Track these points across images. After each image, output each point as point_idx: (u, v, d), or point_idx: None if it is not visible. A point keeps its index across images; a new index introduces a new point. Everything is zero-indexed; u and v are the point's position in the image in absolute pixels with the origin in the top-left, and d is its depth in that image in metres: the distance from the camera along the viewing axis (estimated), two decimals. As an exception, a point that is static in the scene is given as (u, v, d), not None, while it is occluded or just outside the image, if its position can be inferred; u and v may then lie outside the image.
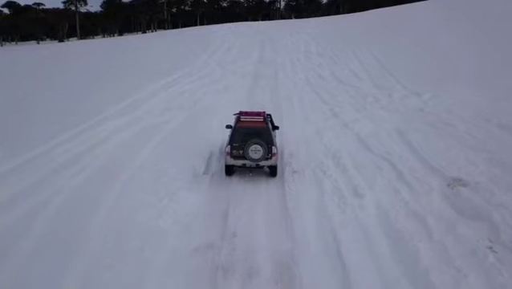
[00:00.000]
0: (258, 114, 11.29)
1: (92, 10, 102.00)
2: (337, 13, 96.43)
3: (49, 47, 60.10)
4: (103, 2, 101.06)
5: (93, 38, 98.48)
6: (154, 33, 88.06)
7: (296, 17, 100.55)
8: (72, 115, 15.56)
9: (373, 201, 9.16)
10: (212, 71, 26.70)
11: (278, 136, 12.28)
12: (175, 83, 21.99)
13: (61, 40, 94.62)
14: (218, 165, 11.58)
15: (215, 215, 8.90)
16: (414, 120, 15.17)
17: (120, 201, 8.88)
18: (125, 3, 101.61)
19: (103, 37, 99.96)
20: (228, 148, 10.52)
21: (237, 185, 10.53)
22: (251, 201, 9.64)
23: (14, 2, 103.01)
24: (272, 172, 10.82)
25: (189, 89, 20.99)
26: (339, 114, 16.55)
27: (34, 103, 18.36)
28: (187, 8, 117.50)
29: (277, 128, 12.29)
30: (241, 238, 7.98)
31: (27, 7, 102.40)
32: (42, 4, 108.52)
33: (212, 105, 18.09)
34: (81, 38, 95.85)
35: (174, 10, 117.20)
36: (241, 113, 11.36)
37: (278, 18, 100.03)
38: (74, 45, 61.86)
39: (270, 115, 12.14)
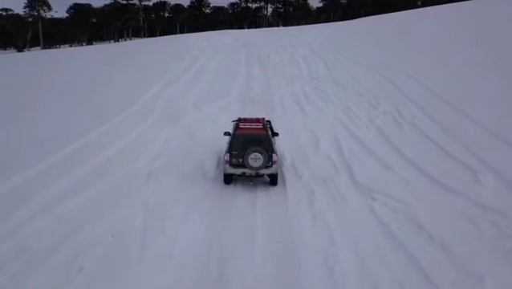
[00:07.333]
0: (258, 120, 10.35)
1: (58, 15, 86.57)
2: (327, 20, 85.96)
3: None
4: (70, 7, 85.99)
5: (58, 47, 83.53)
6: (125, 42, 73.82)
7: (284, 24, 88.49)
8: None
9: None
10: (147, 139, 12.28)
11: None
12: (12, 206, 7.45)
13: (20, 50, 79.47)
14: None
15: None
16: None
17: None
18: (95, 8, 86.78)
19: (71, 46, 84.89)
20: (227, 157, 9.53)
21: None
22: None
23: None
24: (272, 180, 9.71)
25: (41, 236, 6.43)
26: None
27: None
28: (167, 14, 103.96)
29: (276, 134, 11.17)
30: None
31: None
32: (10, 10, 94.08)
33: None
34: (45, 48, 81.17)
35: (153, 16, 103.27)
36: (239, 120, 10.40)
37: (266, 26, 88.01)
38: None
39: (269, 121, 11.24)
